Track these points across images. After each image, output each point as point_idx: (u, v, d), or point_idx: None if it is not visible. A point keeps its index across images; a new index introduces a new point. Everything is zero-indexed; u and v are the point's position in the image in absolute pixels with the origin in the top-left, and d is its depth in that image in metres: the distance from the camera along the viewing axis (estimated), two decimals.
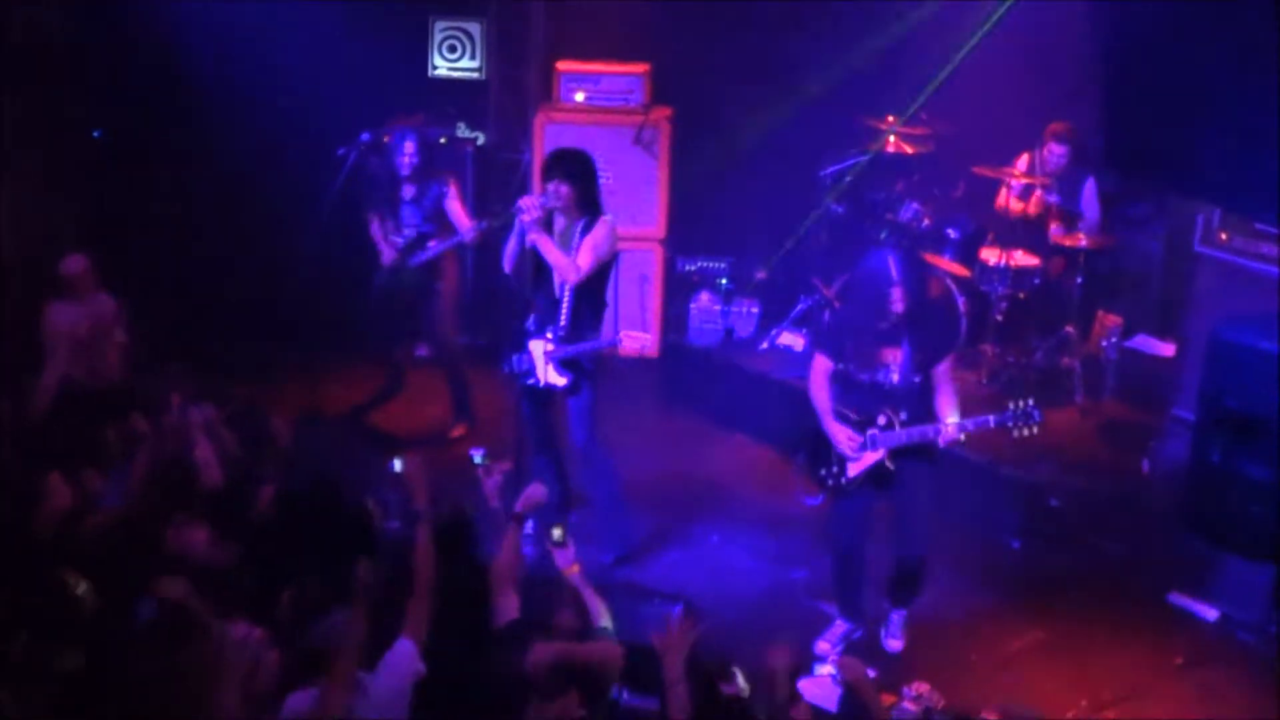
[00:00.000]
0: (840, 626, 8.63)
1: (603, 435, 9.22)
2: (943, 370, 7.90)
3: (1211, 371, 8.40)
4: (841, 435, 7.97)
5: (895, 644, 8.38)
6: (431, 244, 10.59)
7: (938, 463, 8.10)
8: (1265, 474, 8.04)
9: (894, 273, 7.71)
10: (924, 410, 7.89)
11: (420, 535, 6.75)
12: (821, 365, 8.13)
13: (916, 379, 7.85)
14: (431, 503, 7.02)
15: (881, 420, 7.86)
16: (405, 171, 10.57)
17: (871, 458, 7.93)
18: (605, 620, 7.12)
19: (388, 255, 10.72)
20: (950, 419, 7.79)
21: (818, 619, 8.82)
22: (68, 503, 7.39)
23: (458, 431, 10.93)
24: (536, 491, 7.38)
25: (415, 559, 6.68)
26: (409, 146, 10.54)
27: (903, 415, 7.83)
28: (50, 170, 11.24)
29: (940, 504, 8.34)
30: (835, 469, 8.09)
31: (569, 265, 8.71)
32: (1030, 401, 7.69)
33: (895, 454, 7.91)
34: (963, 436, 7.83)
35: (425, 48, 12.53)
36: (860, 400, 7.95)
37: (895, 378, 7.86)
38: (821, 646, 8.58)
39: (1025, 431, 7.73)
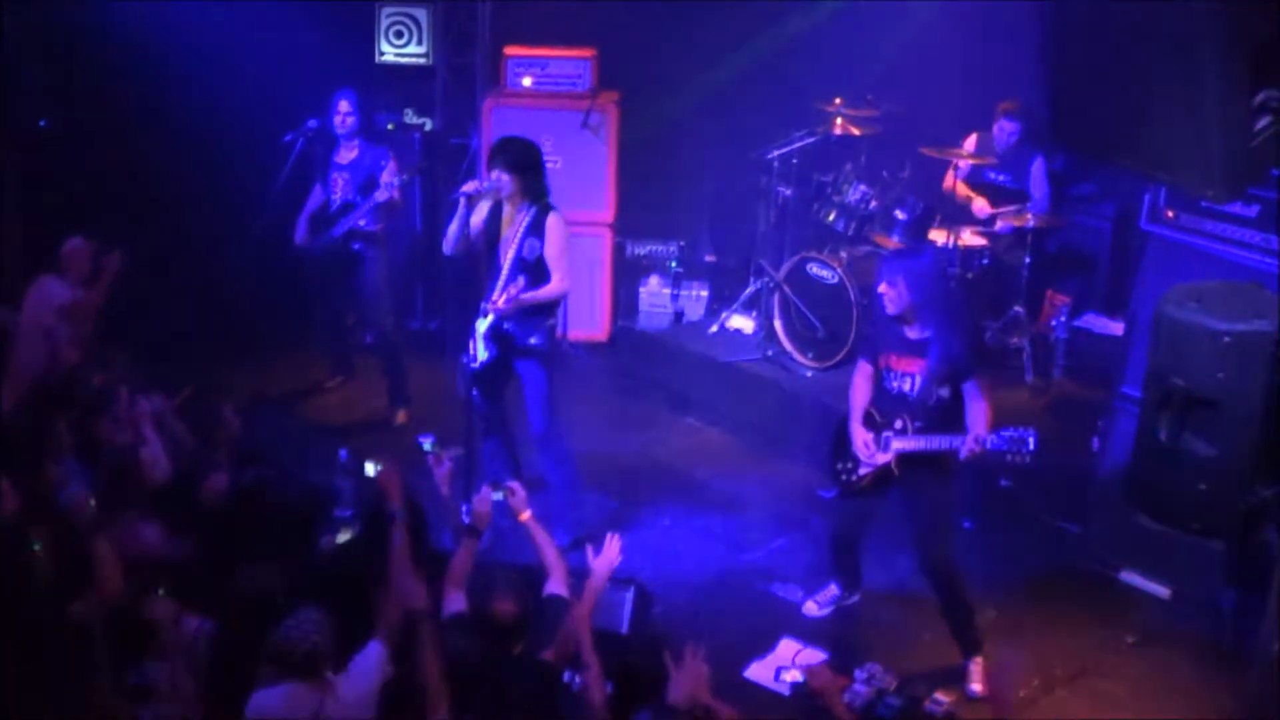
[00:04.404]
0: (833, 591, 8.73)
1: (558, 420, 9.22)
2: (973, 388, 7.75)
3: (1156, 349, 8.43)
4: (859, 437, 7.99)
5: (976, 688, 8.03)
6: (354, 212, 10.51)
7: (950, 478, 8.01)
8: (1211, 450, 8.07)
9: (884, 270, 7.77)
10: (947, 424, 7.78)
11: (396, 538, 6.72)
12: (860, 367, 8.18)
13: (939, 394, 7.78)
14: (405, 506, 7.00)
15: (897, 425, 7.83)
16: (340, 130, 10.53)
17: (882, 458, 7.90)
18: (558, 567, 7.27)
19: (301, 232, 10.69)
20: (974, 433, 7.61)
21: (769, 602, 8.86)
22: (17, 505, 7.29)
23: (401, 418, 10.91)
24: (485, 502, 7.34)
25: (390, 562, 6.64)
26: (344, 105, 10.50)
27: (917, 424, 7.79)
28: None
29: (950, 517, 8.25)
30: (850, 465, 8.10)
31: (561, 287, 8.81)
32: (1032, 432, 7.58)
33: (905, 462, 7.86)
34: (979, 449, 7.59)
35: (372, 33, 12.46)
36: (887, 406, 7.94)
37: (912, 388, 7.84)
38: (810, 607, 8.73)
39: (1017, 459, 7.57)
